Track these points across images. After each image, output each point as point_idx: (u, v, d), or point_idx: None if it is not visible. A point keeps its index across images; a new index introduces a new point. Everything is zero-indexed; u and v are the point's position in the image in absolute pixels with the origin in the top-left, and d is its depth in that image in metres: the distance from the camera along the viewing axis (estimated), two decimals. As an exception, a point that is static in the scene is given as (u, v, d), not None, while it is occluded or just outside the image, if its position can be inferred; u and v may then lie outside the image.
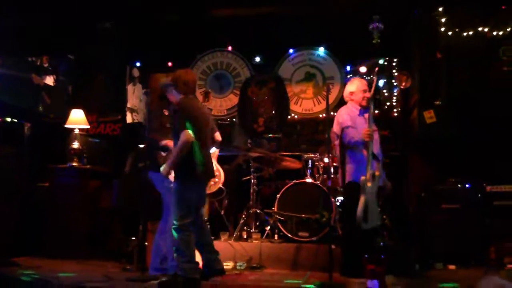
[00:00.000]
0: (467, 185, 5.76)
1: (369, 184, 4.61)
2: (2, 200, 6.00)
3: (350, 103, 5.16)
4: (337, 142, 5.06)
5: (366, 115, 4.93)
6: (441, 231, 5.59)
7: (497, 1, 6.49)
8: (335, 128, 5.05)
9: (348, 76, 8.11)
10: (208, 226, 5.04)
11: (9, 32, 6.78)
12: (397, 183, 5.85)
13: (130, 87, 8.49)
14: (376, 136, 4.97)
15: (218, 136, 5.24)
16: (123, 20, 7.51)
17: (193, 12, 7.46)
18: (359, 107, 5.08)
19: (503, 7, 6.53)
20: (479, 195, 5.70)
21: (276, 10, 7.34)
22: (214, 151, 5.26)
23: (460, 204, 5.65)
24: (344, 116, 5.02)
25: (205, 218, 5.05)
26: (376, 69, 5.67)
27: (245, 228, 5.98)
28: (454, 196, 5.71)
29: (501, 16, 6.54)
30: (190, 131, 4.45)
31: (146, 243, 5.35)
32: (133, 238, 5.72)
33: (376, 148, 4.91)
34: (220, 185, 5.63)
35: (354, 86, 5.15)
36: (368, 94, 4.99)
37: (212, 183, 5.30)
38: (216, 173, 5.28)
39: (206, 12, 7.48)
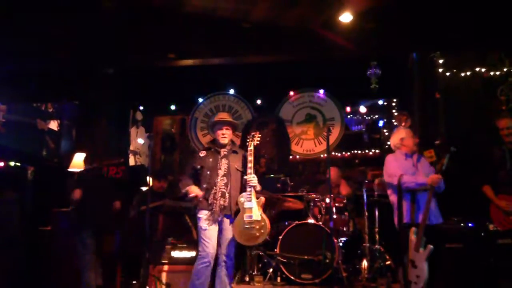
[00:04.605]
0: (469, 224, 5.71)
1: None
2: (4, 245, 5.99)
3: (398, 151, 5.25)
4: (389, 191, 5.16)
5: (410, 160, 5.12)
6: (444, 270, 5.51)
7: (491, 46, 6.60)
8: (387, 179, 5.14)
9: (349, 117, 8.24)
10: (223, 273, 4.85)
11: (15, 80, 6.93)
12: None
13: (133, 130, 8.60)
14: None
15: None
16: (125, 66, 7.65)
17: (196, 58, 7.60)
18: (404, 153, 5.18)
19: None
20: (482, 234, 5.66)
21: (277, 57, 7.43)
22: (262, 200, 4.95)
23: (463, 243, 5.60)
24: (394, 164, 5.12)
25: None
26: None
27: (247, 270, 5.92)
28: (457, 236, 5.65)
29: (497, 56, 6.65)
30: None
31: (147, 287, 5.30)
32: (134, 282, 5.67)
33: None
34: (267, 237, 5.08)
35: (403, 133, 5.27)
36: (417, 140, 5.22)
37: (257, 234, 4.77)
38: (262, 224, 4.76)
39: (209, 58, 7.62)
